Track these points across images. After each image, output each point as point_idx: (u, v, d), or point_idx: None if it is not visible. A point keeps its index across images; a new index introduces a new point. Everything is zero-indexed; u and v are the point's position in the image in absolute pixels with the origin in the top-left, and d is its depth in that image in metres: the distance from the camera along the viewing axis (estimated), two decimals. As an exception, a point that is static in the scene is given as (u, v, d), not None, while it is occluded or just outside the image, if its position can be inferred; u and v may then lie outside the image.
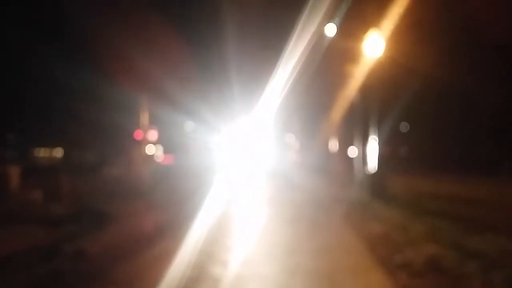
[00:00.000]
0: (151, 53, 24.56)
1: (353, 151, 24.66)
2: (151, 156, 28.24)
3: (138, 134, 25.60)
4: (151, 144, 27.47)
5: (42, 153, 33.22)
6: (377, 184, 14.04)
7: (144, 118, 25.04)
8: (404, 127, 28.84)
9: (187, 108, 31.54)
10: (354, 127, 20.36)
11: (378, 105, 14.95)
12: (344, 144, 27.83)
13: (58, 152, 32.25)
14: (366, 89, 16.36)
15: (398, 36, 15.34)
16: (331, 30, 19.38)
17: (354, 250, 7.35)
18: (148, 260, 6.86)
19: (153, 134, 27.17)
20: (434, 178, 20.35)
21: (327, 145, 29.46)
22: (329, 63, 22.70)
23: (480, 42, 22.28)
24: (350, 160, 24.97)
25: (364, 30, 14.73)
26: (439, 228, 8.56)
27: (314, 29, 20.80)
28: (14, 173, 14.13)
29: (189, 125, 40.05)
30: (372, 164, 14.52)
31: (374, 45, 14.25)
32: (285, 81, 26.86)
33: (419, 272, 5.87)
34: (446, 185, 17.31)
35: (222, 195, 16.45)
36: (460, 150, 25.55)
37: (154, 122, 26.94)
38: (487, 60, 23.42)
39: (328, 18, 19.60)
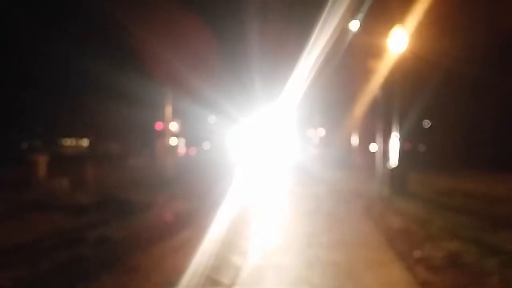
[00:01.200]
0: (175, 47, 24.74)
1: (374, 146, 24.45)
2: (175, 148, 28.50)
3: (160, 126, 25.88)
4: (175, 136, 27.72)
5: (69, 142, 33.80)
6: (397, 179, 13.89)
7: (168, 111, 25.28)
8: (426, 123, 28.41)
9: (210, 101, 31.73)
10: (376, 122, 20.16)
11: (400, 100, 14.76)
12: (366, 139, 27.61)
13: (85, 142, 32.77)
14: (388, 85, 16.15)
15: (422, 31, 15.09)
16: (354, 25, 19.21)
17: (373, 243, 7.31)
18: (170, 248, 6.95)
19: (176, 126, 27.41)
20: (455, 174, 20.04)
21: (349, 139, 29.26)
22: (352, 58, 22.48)
23: (504, 36, 21.76)
24: (372, 155, 24.77)
25: (388, 25, 14.53)
26: (459, 224, 8.46)
27: (337, 23, 20.65)
28: (42, 162, 14.40)
29: (212, 118, 40.27)
30: (393, 159, 14.37)
31: (397, 40, 14.05)
32: (308, 75, 26.77)
33: (438, 267, 5.81)
34: (466, 182, 17.02)
35: (243, 187, 16.52)
36: (483, 147, 25.03)
37: (177, 115, 27.18)
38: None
39: (352, 13, 19.42)
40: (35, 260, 6.14)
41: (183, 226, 8.51)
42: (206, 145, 44.56)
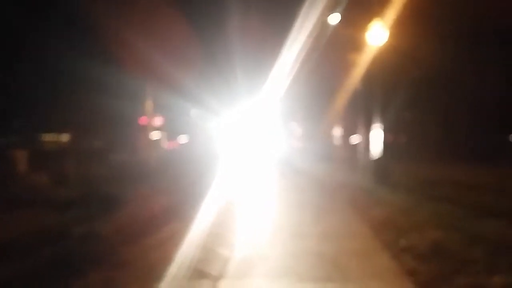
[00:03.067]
0: (155, 40, 24.46)
1: (356, 138, 24.59)
2: (157, 142, 28.24)
3: (142, 120, 25.62)
4: (157, 130, 27.46)
5: (49, 138, 33.16)
6: (380, 170, 14.00)
7: (149, 105, 25.03)
8: (407, 115, 28.71)
9: (192, 95, 31.49)
10: (358, 114, 20.29)
11: (381, 92, 14.85)
12: (348, 131, 27.76)
13: (65, 138, 32.20)
14: (369, 78, 16.26)
15: (401, 25, 15.21)
16: (334, 18, 19.27)
17: (359, 234, 7.32)
18: (155, 242, 6.85)
19: (158, 120, 27.14)
20: (435, 165, 20.27)
21: (331, 132, 29.39)
22: (332, 52, 22.55)
23: (482, 30, 22.05)
24: (354, 147, 24.92)
25: (367, 19, 14.59)
26: (442, 213, 8.55)
27: (318, 17, 20.68)
28: (21, 157, 14.14)
29: (194, 112, 40.00)
30: (376, 151, 14.46)
31: (377, 34, 14.11)
32: (289, 68, 26.78)
33: (424, 256, 5.83)
34: (447, 172, 17.24)
35: (227, 180, 16.44)
36: (462, 139, 25.42)
37: (159, 108, 26.92)
38: (489, 48, 23.21)
39: (332, 7, 19.48)
40: (19, 257, 5.98)
41: (167, 220, 8.40)
42: (189, 138, 44.20)
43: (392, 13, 14.68)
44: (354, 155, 21.61)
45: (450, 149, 24.45)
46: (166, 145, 36.36)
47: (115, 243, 6.73)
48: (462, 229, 7.11)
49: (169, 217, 8.61)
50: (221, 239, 6.99)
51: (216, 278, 5.18)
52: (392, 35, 14.57)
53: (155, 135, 26.92)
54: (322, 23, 21.16)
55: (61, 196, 11.08)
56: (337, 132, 28.32)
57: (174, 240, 6.75)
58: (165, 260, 5.71)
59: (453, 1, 21.27)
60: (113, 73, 24.44)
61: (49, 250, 6.32)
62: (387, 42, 14.30)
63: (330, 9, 19.50)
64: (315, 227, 7.74)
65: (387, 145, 14.84)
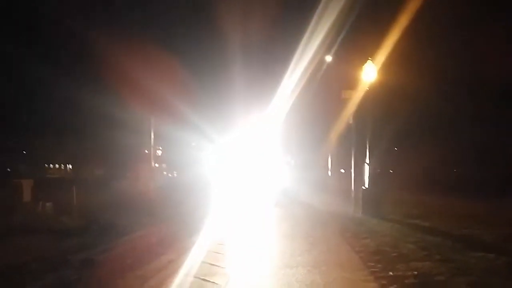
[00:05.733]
0: (155, 75, 24.92)
1: (349, 169, 24.71)
2: (157, 171, 28.27)
3: (144, 151, 25.77)
4: (157, 160, 27.55)
5: (53, 167, 33.25)
6: (370, 201, 14.09)
7: (150, 136, 25.22)
8: (397, 148, 29.02)
9: (191, 126, 31.72)
10: (350, 146, 20.43)
11: (372, 126, 15.09)
12: (340, 163, 27.90)
13: (69, 167, 32.29)
14: (361, 112, 16.50)
15: (391, 65, 15.64)
16: (330, 57, 19.78)
17: (349, 263, 7.33)
18: (152, 270, 6.86)
19: (158, 151, 27.27)
20: (425, 196, 20.33)
21: (325, 163, 29.51)
22: (327, 88, 22.96)
23: (466, 72, 22.60)
24: (346, 177, 24.99)
25: (360, 58, 15.01)
26: (430, 244, 8.60)
27: (313, 55, 21.19)
28: (27, 186, 14.16)
29: (193, 142, 40.15)
30: (366, 182, 14.60)
31: (369, 73, 14.49)
32: (286, 102, 27.19)
33: (412, 286, 5.88)
34: (436, 203, 17.34)
35: (222, 209, 16.44)
36: (448, 172, 25.79)
37: (159, 139, 27.09)
38: (473, 88, 23.73)
39: (328, 46, 20.01)
40: (22, 284, 5.99)
41: (164, 249, 8.42)
42: (188, 168, 44.21)
43: (383, 53, 15.16)
44: (346, 185, 21.66)
45: (435, 182, 24.64)
46: (166, 174, 36.36)
47: (111, 271, 6.74)
48: (448, 260, 7.17)
49: (165, 247, 8.62)
50: (215, 269, 7.01)
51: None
52: (383, 74, 14.96)
53: (155, 165, 26.99)
54: (318, 61, 21.70)
55: (63, 224, 11.09)
56: (331, 162, 28.46)
57: (169, 269, 6.78)
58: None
59: (439, 43, 21.95)
60: (116, 106, 24.77)
61: (50, 277, 6.33)
62: (378, 80, 14.66)
63: (327, 47, 20.05)
64: (307, 257, 7.76)
65: (377, 176, 14.97)
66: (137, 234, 10.42)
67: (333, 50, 19.81)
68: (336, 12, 19.01)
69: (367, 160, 14.71)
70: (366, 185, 14.50)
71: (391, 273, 6.52)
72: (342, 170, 29.18)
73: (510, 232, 10.21)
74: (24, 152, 32.16)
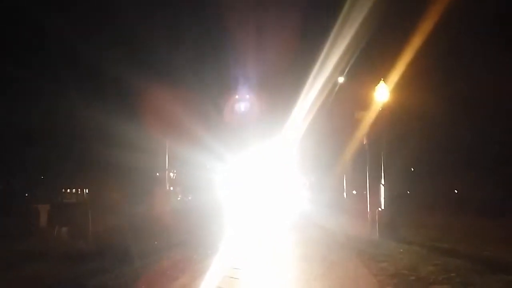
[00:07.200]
0: (170, 100, 25.22)
1: (362, 191, 24.45)
2: (172, 195, 28.30)
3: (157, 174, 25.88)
4: (171, 183, 27.61)
5: (70, 192, 33.50)
6: (386, 223, 13.83)
7: (165, 159, 25.35)
8: (413, 169, 28.75)
9: (206, 149, 31.83)
10: (365, 167, 20.27)
11: (386, 147, 14.95)
12: (356, 184, 27.64)
13: (85, 191, 32.49)
14: (375, 133, 16.41)
15: (404, 85, 15.62)
16: (343, 78, 19.91)
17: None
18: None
19: (173, 175, 27.35)
20: (442, 217, 19.92)
21: (340, 184, 29.28)
22: (341, 109, 22.98)
23: (479, 91, 22.37)
24: (362, 199, 24.69)
25: (374, 79, 15.01)
26: (449, 267, 8.36)
27: (327, 77, 21.35)
28: (43, 211, 14.27)
29: (208, 164, 40.21)
30: (383, 203, 14.37)
31: (382, 93, 14.43)
32: (300, 124, 27.26)
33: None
34: (454, 225, 16.97)
35: (238, 232, 16.31)
36: (464, 192, 25.34)
37: (173, 161, 27.18)
38: (488, 108, 23.43)
39: (342, 67, 20.16)
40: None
41: (179, 274, 8.33)
42: (203, 191, 44.22)
43: (396, 74, 15.17)
44: (362, 207, 21.40)
45: (453, 203, 24.20)
46: (181, 197, 36.32)
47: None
48: (467, 284, 6.96)
49: (180, 272, 8.54)
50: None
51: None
52: (397, 94, 14.92)
53: (170, 188, 27.03)
54: (333, 83, 21.82)
55: (78, 249, 11.10)
56: (346, 183, 28.20)
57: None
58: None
59: (451, 63, 21.88)
60: (132, 130, 25.00)
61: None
62: (392, 100, 14.58)
63: (341, 68, 20.18)
64: (325, 281, 7.61)
65: (394, 197, 14.74)
66: (152, 258, 10.36)
67: (346, 71, 19.89)
68: (349, 35, 19.25)
69: (382, 181, 14.52)
70: (382, 207, 14.27)
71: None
72: (354, 192, 28.90)
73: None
74: (42, 177, 32.49)
